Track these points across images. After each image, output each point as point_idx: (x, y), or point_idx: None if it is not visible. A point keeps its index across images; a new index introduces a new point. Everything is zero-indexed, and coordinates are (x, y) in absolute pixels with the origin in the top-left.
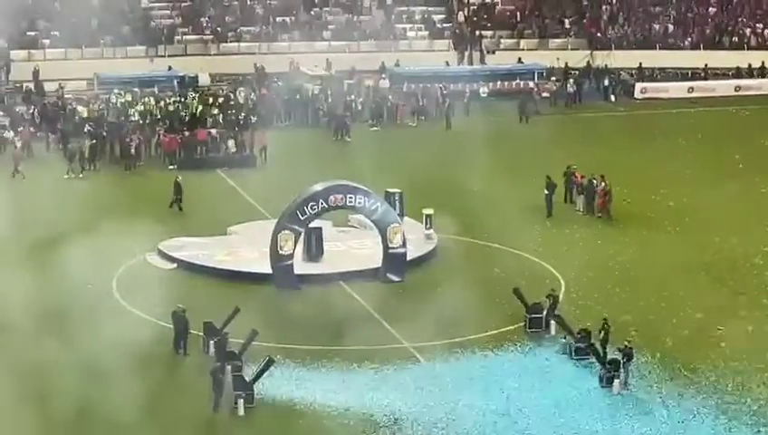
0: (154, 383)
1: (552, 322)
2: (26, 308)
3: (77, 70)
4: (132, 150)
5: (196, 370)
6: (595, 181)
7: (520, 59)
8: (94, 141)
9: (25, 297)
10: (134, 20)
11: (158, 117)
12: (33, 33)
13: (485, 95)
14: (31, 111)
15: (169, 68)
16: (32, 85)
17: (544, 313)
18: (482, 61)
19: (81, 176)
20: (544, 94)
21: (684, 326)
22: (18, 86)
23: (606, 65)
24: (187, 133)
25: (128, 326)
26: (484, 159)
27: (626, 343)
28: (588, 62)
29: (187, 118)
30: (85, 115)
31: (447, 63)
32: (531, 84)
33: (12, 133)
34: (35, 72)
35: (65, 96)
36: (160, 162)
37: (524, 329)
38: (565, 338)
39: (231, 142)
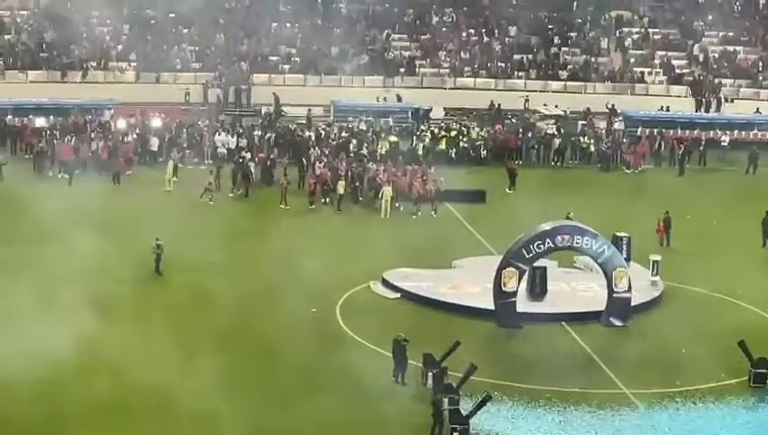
0: (371, 411)
1: None
2: (249, 328)
3: (314, 96)
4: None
5: (412, 400)
6: None
7: (758, 109)
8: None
9: (249, 317)
10: (374, 50)
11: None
12: (274, 59)
13: (725, 144)
14: (267, 135)
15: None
16: (271, 109)
17: None
18: (718, 109)
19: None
20: None
21: None
22: (258, 110)
23: None
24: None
25: (348, 352)
26: (715, 208)
27: None
28: None
29: (419, 151)
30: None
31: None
32: None
33: (249, 155)
34: (276, 98)
35: (299, 122)
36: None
37: (748, 383)
38: None
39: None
